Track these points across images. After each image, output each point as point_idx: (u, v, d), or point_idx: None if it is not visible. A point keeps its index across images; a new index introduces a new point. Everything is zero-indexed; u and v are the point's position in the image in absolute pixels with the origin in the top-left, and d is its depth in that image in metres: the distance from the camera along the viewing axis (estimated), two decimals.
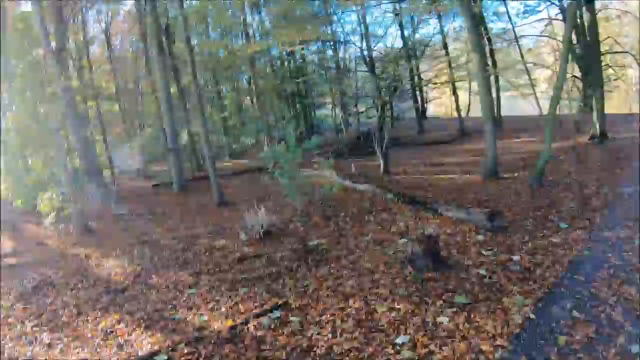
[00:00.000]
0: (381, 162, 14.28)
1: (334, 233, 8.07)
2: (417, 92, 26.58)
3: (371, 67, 16.51)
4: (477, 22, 20.47)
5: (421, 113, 25.51)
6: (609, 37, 21.49)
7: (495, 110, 20.86)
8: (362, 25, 22.34)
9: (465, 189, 10.70)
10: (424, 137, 21.11)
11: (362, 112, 20.22)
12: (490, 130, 11.33)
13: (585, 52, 15.31)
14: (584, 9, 14.75)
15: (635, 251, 5.60)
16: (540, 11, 19.66)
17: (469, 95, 24.71)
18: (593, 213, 7.35)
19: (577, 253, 5.77)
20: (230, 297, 5.68)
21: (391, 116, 26.46)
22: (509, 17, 19.42)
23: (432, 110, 32.27)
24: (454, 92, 21.13)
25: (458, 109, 20.54)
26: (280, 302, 5.28)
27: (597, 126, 14.23)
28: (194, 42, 25.06)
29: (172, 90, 17.86)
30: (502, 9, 21.32)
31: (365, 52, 16.95)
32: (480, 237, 6.81)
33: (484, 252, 6.19)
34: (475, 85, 23.66)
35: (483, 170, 11.58)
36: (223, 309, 5.35)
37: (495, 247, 6.33)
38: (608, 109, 21.67)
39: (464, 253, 6.31)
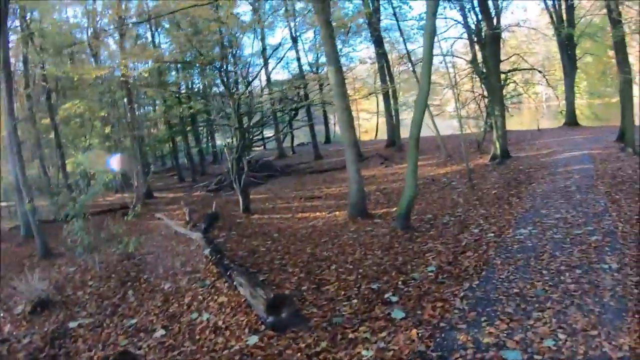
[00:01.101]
0: (240, 199, 11.05)
1: (109, 308, 5.68)
2: (322, 117, 24.03)
3: (230, 90, 13.35)
4: (378, 40, 18.64)
5: (325, 138, 22.85)
6: (515, 54, 20.49)
7: (397, 132, 18.67)
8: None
9: (318, 235, 7.64)
10: (318, 164, 18.25)
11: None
12: (352, 160, 8.42)
13: (488, 69, 13.29)
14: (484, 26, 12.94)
15: None
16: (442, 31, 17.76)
17: (377, 117, 22.46)
18: (456, 285, 4.32)
19: None
20: None
21: (291, 143, 23.77)
22: (402, 34, 17.55)
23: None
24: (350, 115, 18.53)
25: (358, 132, 17.96)
26: None
27: (498, 145, 11.95)
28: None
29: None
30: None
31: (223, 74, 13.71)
32: (251, 340, 3.67)
33: None
34: (382, 107, 21.76)
35: (350, 208, 8.60)
36: None
37: None
38: (518, 126, 20.49)
39: None
